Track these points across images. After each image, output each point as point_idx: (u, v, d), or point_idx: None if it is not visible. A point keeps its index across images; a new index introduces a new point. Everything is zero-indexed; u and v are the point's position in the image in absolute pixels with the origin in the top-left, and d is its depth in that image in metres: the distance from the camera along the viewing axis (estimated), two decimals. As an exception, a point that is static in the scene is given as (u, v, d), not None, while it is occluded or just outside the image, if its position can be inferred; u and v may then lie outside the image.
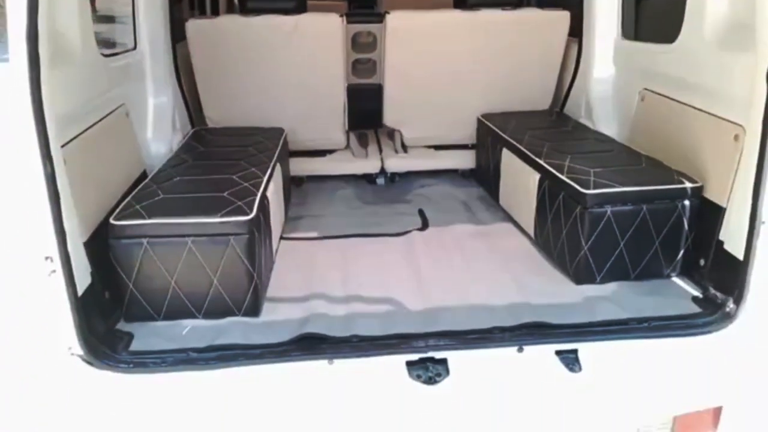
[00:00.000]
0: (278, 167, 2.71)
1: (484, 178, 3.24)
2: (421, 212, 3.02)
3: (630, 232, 2.20)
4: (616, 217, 2.18)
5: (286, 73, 3.08)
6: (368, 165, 3.40)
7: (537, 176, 2.53)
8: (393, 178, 3.47)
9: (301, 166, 3.34)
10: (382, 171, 3.41)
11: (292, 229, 2.83)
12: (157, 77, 2.83)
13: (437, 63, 3.14)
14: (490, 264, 2.46)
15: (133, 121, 2.60)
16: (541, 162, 2.51)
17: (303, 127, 3.25)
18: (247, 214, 2.03)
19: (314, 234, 2.79)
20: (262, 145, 2.78)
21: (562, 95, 3.32)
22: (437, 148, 3.48)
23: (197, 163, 2.54)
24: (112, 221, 1.99)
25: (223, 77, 3.07)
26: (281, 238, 2.74)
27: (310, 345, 1.93)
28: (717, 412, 1.99)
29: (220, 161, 2.55)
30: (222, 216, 2.00)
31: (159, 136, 2.79)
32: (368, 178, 3.46)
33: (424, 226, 2.87)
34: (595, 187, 2.19)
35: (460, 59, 3.13)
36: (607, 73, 3.00)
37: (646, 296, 2.18)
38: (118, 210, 2.06)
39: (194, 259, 1.99)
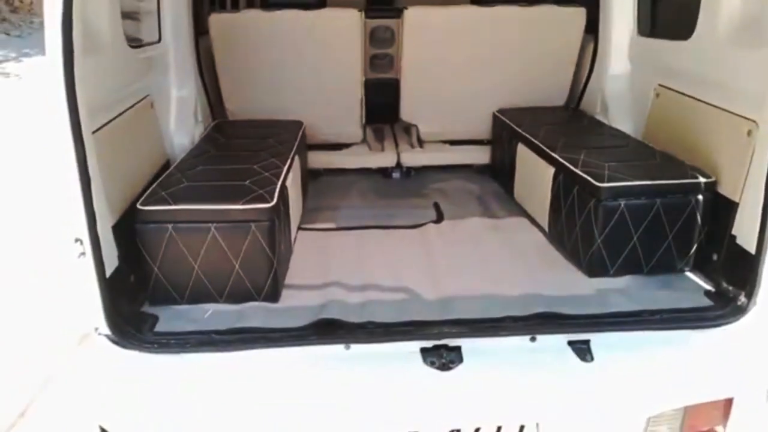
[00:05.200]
0: (297, 159, 2.77)
1: (499, 173, 3.28)
2: (436, 205, 3.06)
3: (643, 225, 2.23)
4: (629, 211, 2.21)
5: (305, 68, 3.14)
6: (384, 159, 3.45)
7: (551, 170, 2.57)
8: (408, 172, 3.52)
9: (318, 159, 3.40)
10: (398, 165, 3.46)
11: (310, 220, 2.89)
12: (180, 70, 2.90)
13: (454, 58, 3.18)
14: (504, 256, 2.50)
15: (157, 112, 2.67)
16: (556, 156, 2.54)
17: (321, 120, 3.30)
18: (268, 202, 2.08)
19: (331, 225, 2.84)
20: (281, 137, 2.84)
21: (578, 91, 3.35)
22: (453, 143, 3.52)
23: (219, 153, 2.61)
24: (139, 206, 2.06)
25: (243, 71, 3.14)
26: (299, 228, 2.80)
27: (327, 330, 1.99)
28: (728, 403, 2.02)
29: (241, 152, 2.61)
30: (244, 203, 2.06)
31: (182, 127, 2.86)
32: (384, 172, 3.51)
33: (439, 219, 2.92)
34: (609, 181, 2.22)
35: (476, 55, 3.18)
36: (622, 69, 3.02)
37: (659, 289, 2.21)
38: (144, 196, 2.12)
39: (217, 244, 2.05)
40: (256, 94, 3.21)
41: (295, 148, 2.75)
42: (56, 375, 2.82)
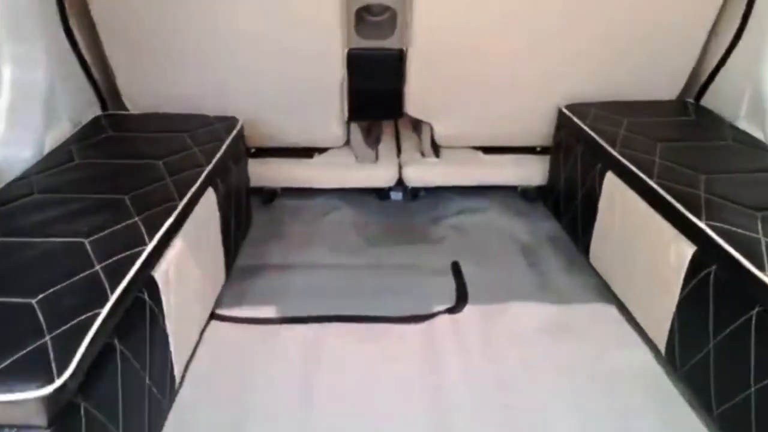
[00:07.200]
0: (208, 195, 1.55)
1: (562, 205, 2.00)
2: (455, 269, 1.83)
3: None
4: None
5: (248, 30, 1.86)
6: (378, 173, 2.19)
7: (689, 249, 1.30)
8: (415, 194, 2.27)
9: (273, 173, 2.16)
10: (400, 182, 2.20)
11: (235, 298, 1.68)
12: (17, 34, 1.64)
13: (495, 18, 1.86)
14: (575, 407, 1.29)
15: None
16: (701, 225, 1.27)
17: (277, 113, 2.05)
18: (49, 381, 0.87)
19: (269, 311, 1.64)
20: (184, 155, 1.60)
21: (701, 78, 2.01)
22: (486, 150, 2.24)
23: (42, 198, 1.37)
24: None
25: (144, 37, 1.86)
26: (213, 315, 1.61)
27: None
28: None
29: (87, 195, 1.38)
30: None
31: (16, 133, 1.63)
32: (378, 193, 2.27)
33: (460, 301, 1.69)
34: None
35: (533, 13, 1.84)
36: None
37: None
38: None
39: None
40: (167, 73, 1.94)
41: (205, 175, 1.53)
42: None
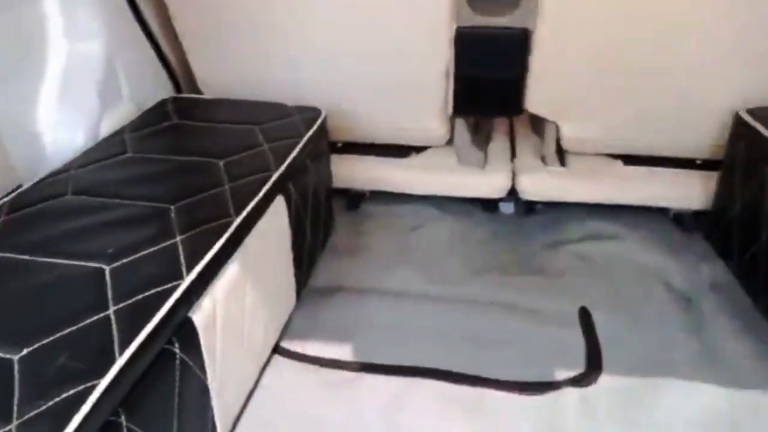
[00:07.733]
0: (276, 205, 1.24)
1: (735, 242, 1.52)
2: (584, 318, 1.42)
3: None
4: None
5: (335, 8, 1.53)
6: (486, 181, 1.80)
7: None
8: (531, 206, 1.87)
9: (360, 173, 1.83)
10: (513, 192, 1.80)
11: (304, 328, 1.38)
12: (70, 3, 1.40)
13: None
14: None
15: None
16: None
17: (368, 103, 1.72)
18: None
19: (343, 351, 1.32)
20: (251, 154, 1.30)
21: None
22: (628, 160, 1.79)
23: (73, 202, 1.12)
24: None
25: (217, 12, 1.58)
26: (277, 349, 1.31)
27: None
28: None
29: (126, 201, 1.11)
30: None
31: (67, 114, 1.40)
32: (485, 205, 1.88)
33: (592, 366, 1.28)
34: None
35: None
36: None
37: None
38: None
39: None
40: (243, 52, 1.65)
41: (272, 182, 1.22)
42: None
